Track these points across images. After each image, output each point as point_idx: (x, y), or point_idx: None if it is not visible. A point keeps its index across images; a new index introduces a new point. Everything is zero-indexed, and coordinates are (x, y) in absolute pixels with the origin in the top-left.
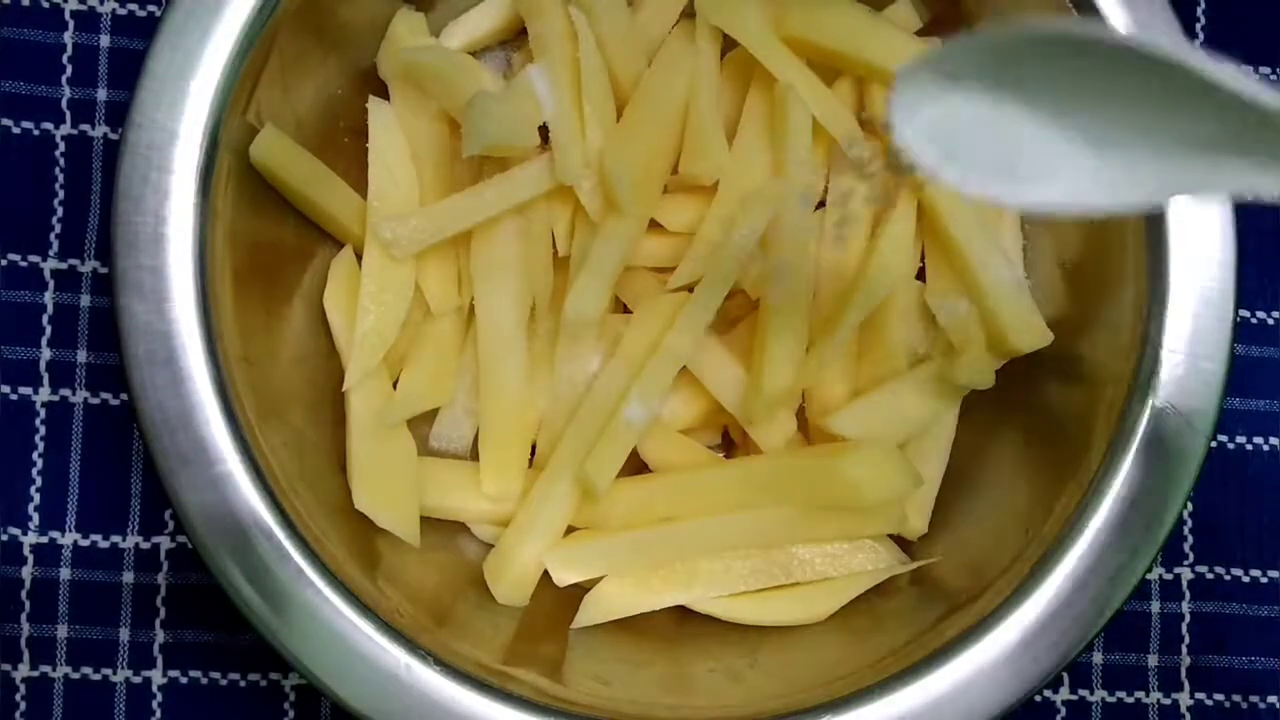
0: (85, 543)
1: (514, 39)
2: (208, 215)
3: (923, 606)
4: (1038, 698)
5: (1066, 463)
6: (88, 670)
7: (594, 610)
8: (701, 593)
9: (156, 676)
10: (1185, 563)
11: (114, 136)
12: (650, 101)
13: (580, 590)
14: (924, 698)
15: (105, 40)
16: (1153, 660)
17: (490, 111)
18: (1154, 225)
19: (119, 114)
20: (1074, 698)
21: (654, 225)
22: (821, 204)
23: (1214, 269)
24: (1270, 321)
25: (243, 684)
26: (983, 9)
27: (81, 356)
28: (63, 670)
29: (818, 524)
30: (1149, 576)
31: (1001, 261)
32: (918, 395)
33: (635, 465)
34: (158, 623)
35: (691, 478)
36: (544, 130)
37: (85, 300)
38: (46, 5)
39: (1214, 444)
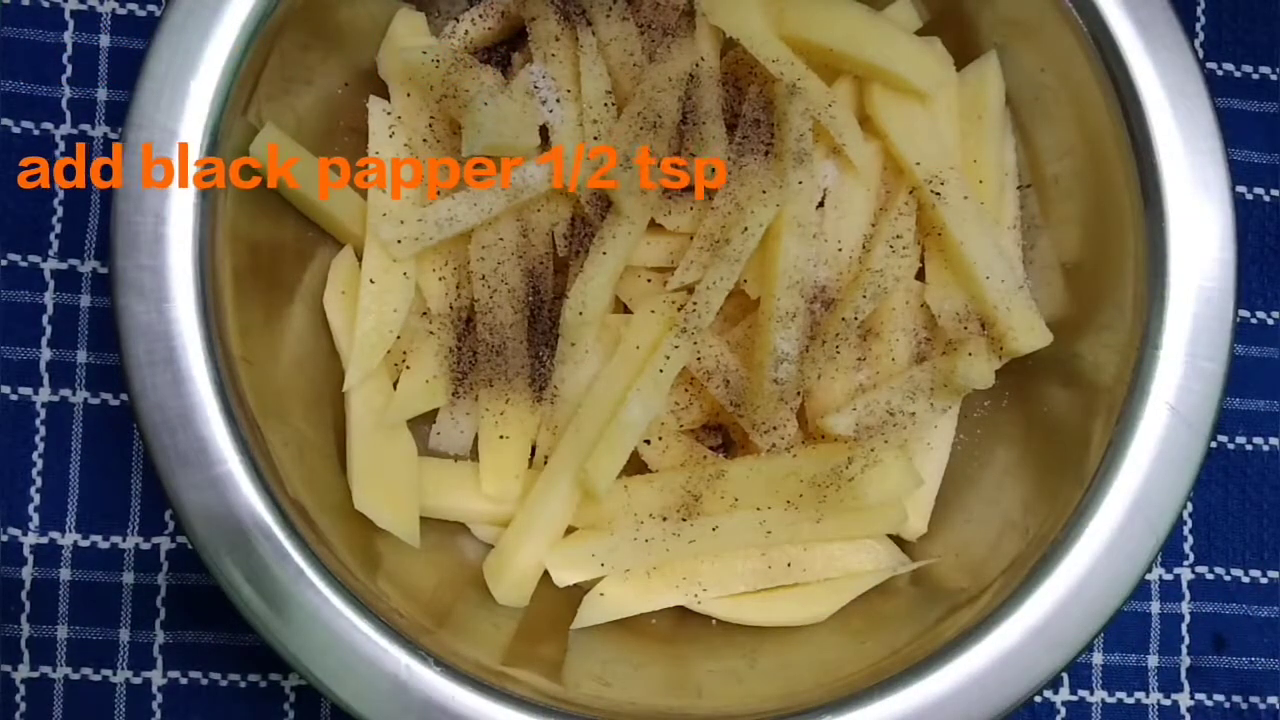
0: (85, 543)
1: (514, 39)
2: (207, 215)
3: (922, 607)
4: (1038, 698)
5: (1066, 463)
6: (88, 671)
7: (594, 611)
8: (701, 593)
9: (156, 677)
10: (1185, 563)
11: (114, 136)
12: (650, 102)
13: (580, 591)
14: (924, 698)
15: (105, 40)
16: (1153, 660)
17: (490, 112)
18: (1154, 224)
19: (119, 114)
20: (1074, 698)
21: (654, 225)
22: (821, 204)
23: (1214, 268)
24: (1270, 322)
25: (243, 685)
26: (982, 9)
27: (81, 357)
28: (63, 671)
29: (818, 524)
30: (1149, 577)
31: (1002, 262)
32: (917, 396)
33: (635, 465)
34: (158, 623)
35: (691, 477)
36: (544, 130)
37: (85, 300)
38: (46, 5)
39: (1214, 444)
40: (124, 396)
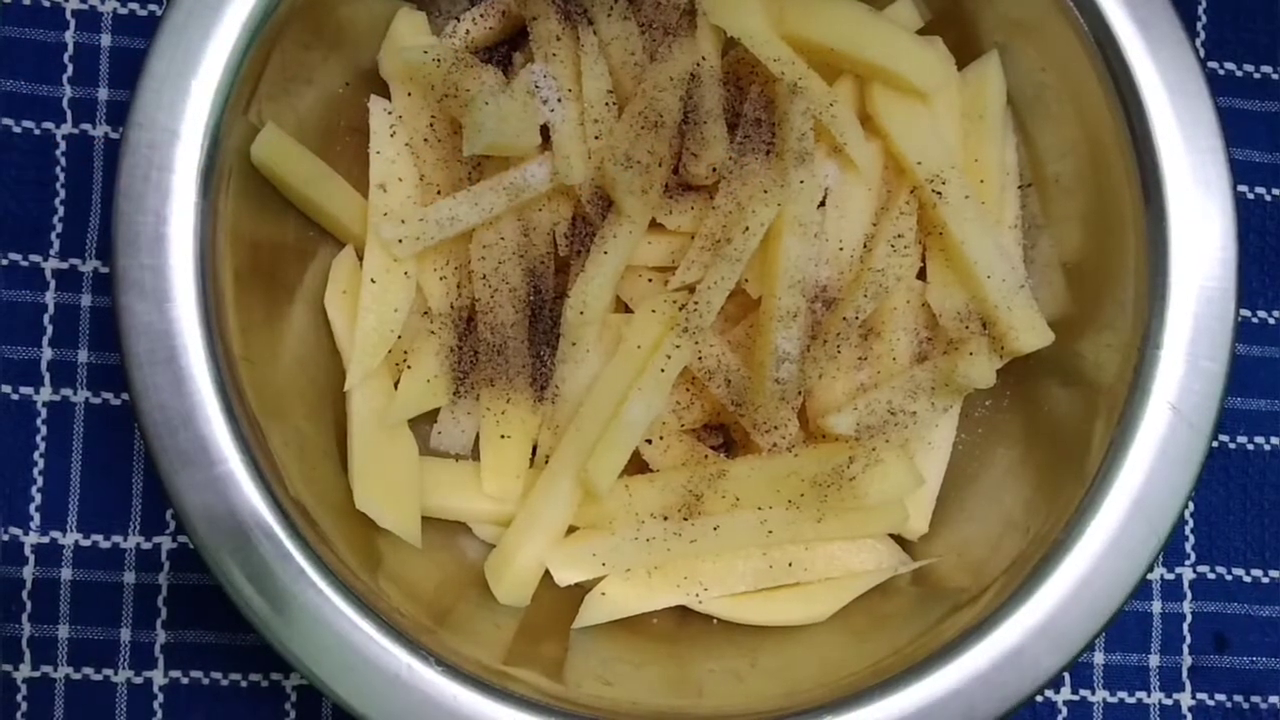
0: (86, 543)
1: (515, 38)
2: (209, 215)
3: (923, 606)
4: (1039, 697)
5: (1068, 462)
6: (89, 670)
7: (595, 610)
8: (703, 592)
9: (158, 677)
10: (1186, 562)
11: (115, 136)
12: (651, 101)
13: (581, 590)
14: (924, 698)
15: (106, 39)
16: (1153, 660)
17: (491, 111)
18: (1155, 223)
19: (120, 113)
20: (1075, 698)
21: (655, 225)
22: (823, 203)
23: (1215, 268)
24: (1271, 321)
25: (244, 684)
26: (983, 8)
27: (83, 356)
28: (64, 670)
29: (819, 523)
30: (1150, 576)
31: (1003, 261)
32: (918, 395)
33: (636, 465)
34: (159, 623)
35: (693, 477)
36: (545, 130)
37: (86, 300)
38: (48, 4)
39: (1215, 444)
40: (125, 396)
